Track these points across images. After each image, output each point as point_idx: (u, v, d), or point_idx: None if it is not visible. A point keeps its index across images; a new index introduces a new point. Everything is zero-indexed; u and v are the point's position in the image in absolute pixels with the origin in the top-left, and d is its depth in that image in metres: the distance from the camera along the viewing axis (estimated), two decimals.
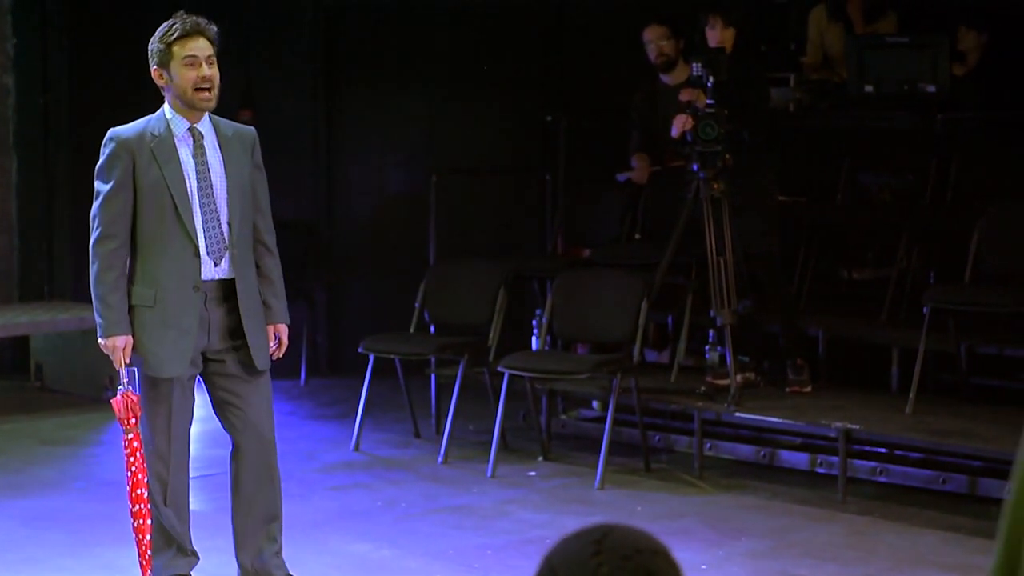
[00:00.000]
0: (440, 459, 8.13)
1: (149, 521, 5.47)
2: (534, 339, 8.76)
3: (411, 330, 8.66)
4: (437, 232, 9.85)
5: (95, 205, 5.54)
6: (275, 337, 5.71)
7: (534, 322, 8.81)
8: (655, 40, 8.92)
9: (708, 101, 8.03)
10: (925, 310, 7.74)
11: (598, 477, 7.67)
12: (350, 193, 10.83)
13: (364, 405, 8.38)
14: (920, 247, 8.82)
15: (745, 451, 8.13)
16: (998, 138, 9.19)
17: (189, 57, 5.46)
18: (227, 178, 5.52)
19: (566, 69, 10.99)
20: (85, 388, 9.55)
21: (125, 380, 5.48)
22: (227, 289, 5.54)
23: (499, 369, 7.91)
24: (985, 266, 8.05)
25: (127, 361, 5.48)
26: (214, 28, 5.56)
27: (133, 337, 5.50)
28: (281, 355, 5.77)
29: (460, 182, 10.37)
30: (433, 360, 8.66)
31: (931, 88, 8.95)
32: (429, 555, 6.56)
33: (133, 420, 5.42)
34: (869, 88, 9.13)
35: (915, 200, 9.05)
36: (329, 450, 8.40)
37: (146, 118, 5.58)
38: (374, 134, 10.69)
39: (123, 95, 10.43)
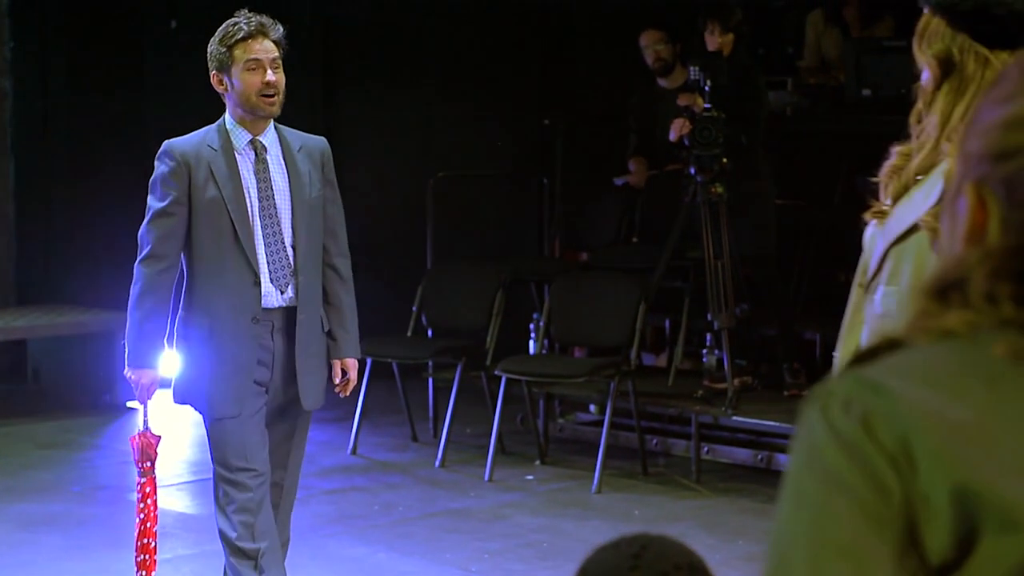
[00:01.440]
0: (437, 463, 8.13)
1: (153, 574, 5.15)
2: (531, 343, 8.76)
3: (409, 333, 8.66)
4: (435, 235, 9.85)
5: (145, 222, 5.06)
6: (342, 373, 5.20)
7: (531, 326, 8.81)
8: (652, 45, 8.92)
9: (706, 105, 8.03)
10: None
11: (595, 481, 7.67)
12: (348, 197, 10.79)
13: (361, 409, 8.37)
14: None
15: (742, 455, 8.13)
16: None
17: (252, 61, 4.93)
18: (292, 196, 5.02)
19: (563, 73, 11.00)
20: (82, 392, 9.54)
21: (145, 418, 5.09)
22: (293, 319, 5.03)
23: (496, 373, 7.91)
24: None
25: (149, 397, 5.08)
26: (280, 28, 5.04)
27: (186, 372, 5.05)
28: (348, 393, 5.30)
29: (458, 186, 10.37)
30: (431, 364, 8.67)
31: None
32: (426, 559, 6.56)
33: (148, 463, 5.09)
34: (867, 92, 9.13)
35: None
36: (326, 454, 8.40)
37: (204, 129, 5.07)
38: (371, 138, 10.69)
39: (122, 99, 10.44)
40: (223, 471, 5.04)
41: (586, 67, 10.85)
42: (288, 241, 5.01)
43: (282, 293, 4.98)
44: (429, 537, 6.88)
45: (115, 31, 10.39)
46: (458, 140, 10.82)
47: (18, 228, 10.40)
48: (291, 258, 5.00)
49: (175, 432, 8.84)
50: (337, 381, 5.19)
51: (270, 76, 4.93)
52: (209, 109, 9.42)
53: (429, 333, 8.67)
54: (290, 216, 5.02)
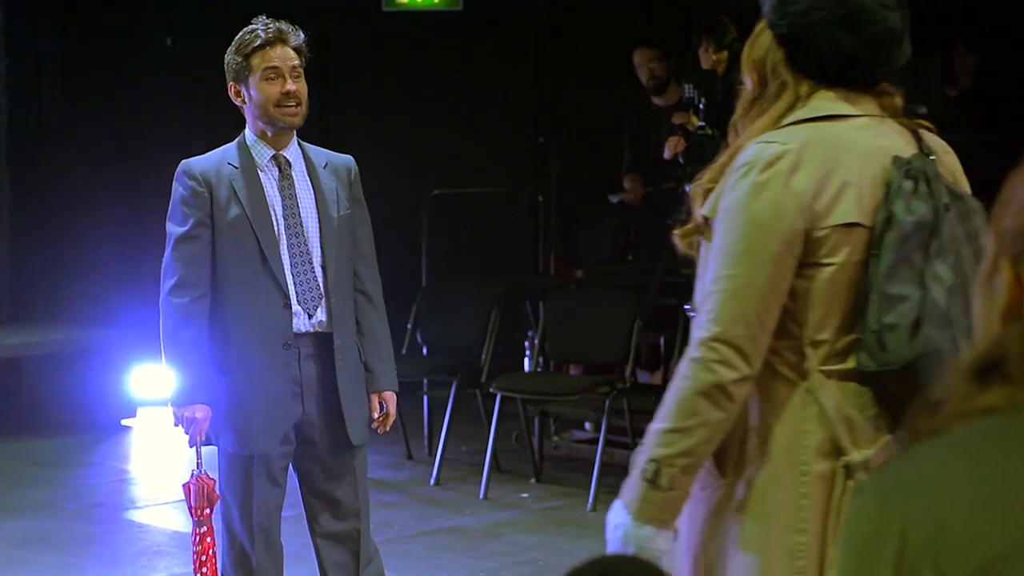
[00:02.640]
0: (433, 481, 8.12)
1: None
2: (527, 360, 8.75)
3: (403, 351, 8.65)
4: (430, 253, 9.85)
5: (168, 250, 4.69)
6: (380, 407, 4.86)
7: (527, 343, 8.80)
8: (646, 63, 8.93)
9: (700, 123, 8.04)
10: None
11: (591, 499, 7.66)
12: None
13: None
14: None
15: None
16: (990, 160, 9.20)
17: (270, 69, 4.61)
18: (319, 214, 4.71)
19: (558, 90, 11.02)
20: (77, 410, 9.53)
21: (199, 460, 4.68)
22: (323, 345, 4.70)
23: (492, 390, 7.90)
24: None
25: (202, 437, 4.65)
26: (301, 35, 4.71)
27: (213, 407, 4.66)
28: (387, 429, 4.93)
29: (453, 203, 10.38)
30: (426, 381, 8.66)
31: (923, 110, 8.96)
32: None
33: (208, 510, 4.68)
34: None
35: None
36: None
37: (223, 147, 4.75)
38: (367, 156, 10.67)
39: (118, 116, 10.45)
40: (240, 527, 4.72)
41: (581, 85, 10.86)
42: (317, 261, 4.69)
43: (310, 317, 4.66)
44: (425, 555, 6.87)
45: (111, 48, 10.40)
46: (454, 158, 10.83)
47: (13, 245, 10.40)
48: (320, 279, 4.68)
49: (171, 449, 8.84)
50: (376, 416, 4.85)
51: (290, 86, 4.62)
52: (205, 126, 9.43)
53: (424, 351, 8.67)
54: (318, 235, 4.71)
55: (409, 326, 8.68)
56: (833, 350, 2.80)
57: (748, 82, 2.96)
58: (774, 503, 2.81)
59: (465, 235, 10.64)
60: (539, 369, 8.52)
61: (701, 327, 2.81)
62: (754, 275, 2.78)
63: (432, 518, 7.53)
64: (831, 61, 2.85)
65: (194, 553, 4.71)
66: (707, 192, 2.91)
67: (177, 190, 4.68)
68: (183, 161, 4.72)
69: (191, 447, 4.67)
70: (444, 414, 8.16)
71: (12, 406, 9.86)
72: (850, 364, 2.78)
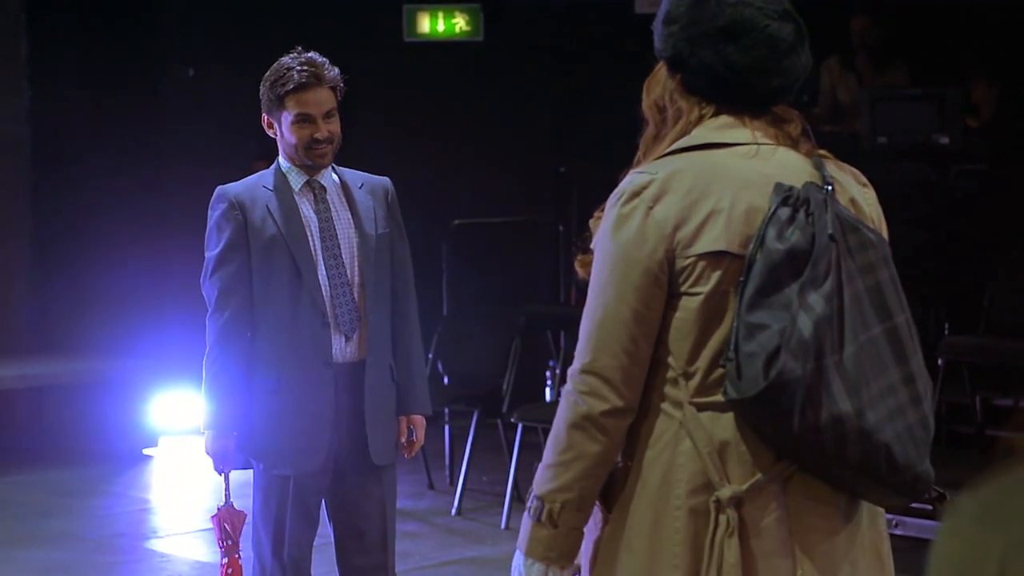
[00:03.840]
0: (454, 511, 8.10)
1: None
2: (548, 390, 8.74)
3: None
4: (450, 282, 9.86)
5: (206, 275, 4.63)
6: (408, 431, 4.81)
7: (548, 373, 8.79)
8: None
9: None
10: (939, 361, 7.72)
11: None
12: None
13: None
14: (934, 298, 8.81)
15: None
16: (1011, 190, 9.20)
17: (303, 115, 4.61)
18: (356, 233, 4.66)
19: (579, 120, 11.03)
20: (98, 439, 9.54)
21: (227, 491, 4.63)
22: (359, 365, 4.65)
23: (513, 420, 7.89)
24: (999, 318, 8.04)
25: (230, 466, 4.59)
26: (335, 72, 4.72)
27: (251, 425, 4.63)
28: (413, 454, 4.90)
29: (474, 233, 10.39)
30: (447, 411, 8.66)
31: (944, 140, 8.96)
32: None
33: (230, 542, 4.63)
34: (882, 140, 9.14)
35: (929, 251, 9.05)
36: None
37: (258, 173, 4.73)
38: None
39: (140, 146, 10.49)
40: (270, 560, 4.64)
41: (602, 114, 10.87)
42: (355, 281, 4.63)
43: (348, 337, 4.62)
44: None
45: (133, 79, 10.44)
46: (474, 187, 10.85)
47: (35, 275, 10.43)
48: (357, 300, 4.63)
49: (192, 478, 8.84)
50: (403, 440, 4.80)
51: (320, 134, 4.63)
52: (227, 156, 9.48)
53: (445, 380, 8.66)
54: (355, 255, 4.65)
55: (430, 356, 8.67)
56: (706, 382, 2.75)
57: (649, 121, 2.90)
58: (651, 538, 2.77)
59: (486, 265, 10.65)
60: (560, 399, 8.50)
61: (575, 359, 2.81)
62: (618, 305, 2.75)
63: (453, 548, 7.52)
64: (719, 73, 2.81)
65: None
66: (599, 222, 2.87)
67: (212, 215, 4.64)
68: (218, 187, 4.69)
69: (220, 474, 4.62)
70: (465, 444, 8.15)
71: (34, 436, 9.88)
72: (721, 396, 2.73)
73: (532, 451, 8.35)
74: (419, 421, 4.82)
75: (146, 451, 9.55)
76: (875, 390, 2.68)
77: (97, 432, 9.58)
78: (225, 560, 4.63)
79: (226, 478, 4.62)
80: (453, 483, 8.47)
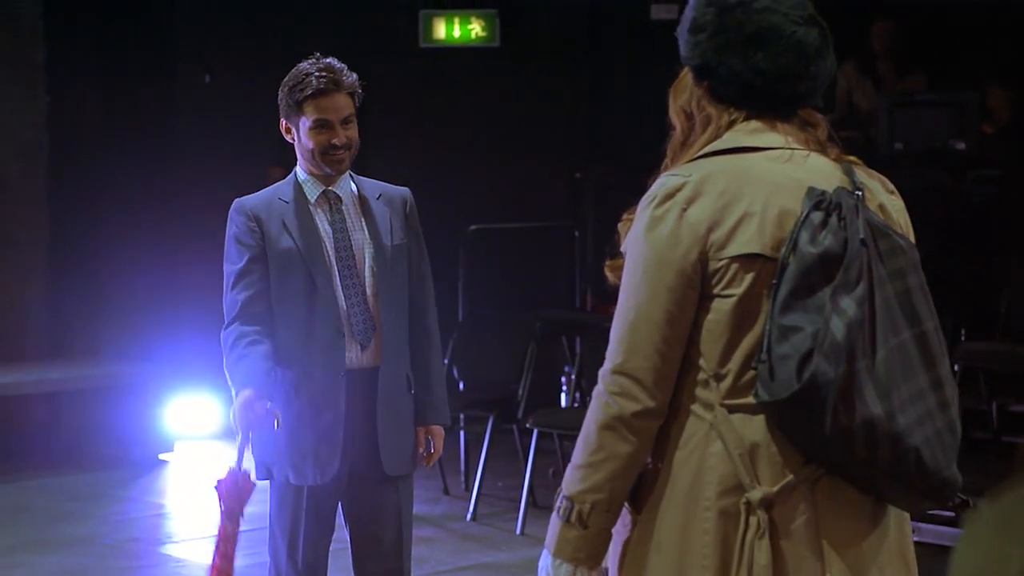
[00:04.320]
0: (469, 516, 8.10)
1: None
2: (563, 395, 8.74)
3: None
4: (466, 288, 9.86)
5: (226, 289, 4.63)
6: (427, 441, 4.79)
7: (563, 379, 8.78)
8: None
9: None
10: (956, 367, 7.71)
11: None
12: None
13: None
14: (950, 304, 8.80)
15: None
16: None
17: (321, 120, 4.61)
18: (372, 247, 4.66)
19: (595, 126, 11.03)
20: (114, 444, 9.55)
21: (240, 457, 4.48)
22: (374, 376, 4.64)
23: (528, 426, 7.89)
24: (1016, 324, 8.02)
25: (257, 426, 4.48)
26: (353, 78, 4.72)
27: (269, 441, 4.59)
28: (430, 465, 4.93)
29: (490, 238, 10.39)
30: (462, 417, 8.65)
31: (961, 146, 8.95)
32: None
33: (234, 512, 4.48)
34: (899, 146, 9.13)
35: (945, 257, 9.04)
36: None
37: (275, 184, 4.73)
38: None
39: (157, 152, 10.51)
40: (286, 566, 4.65)
41: (618, 119, 10.87)
42: (370, 292, 4.63)
43: (363, 348, 4.61)
44: None
45: (150, 85, 10.46)
46: (490, 193, 10.85)
47: (52, 280, 10.45)
48: (372, 311, 4.62)
49: (207, 482, 8.86)
50: (421, 450, 4.78)
51: (338, 139, 4.64)
52: (242, 163, 9.48)
53: (460, 386, 8.66)
54: (371, 266, 4.65)
55: (446, 361, 8.67)
56: (737, 384, 2.76)
57: (676, 126, 2.95)
58: (681, 539, 2.78)
59: (502, 270, 10.65)
60: (576, 404, 8.51)
61: (606, 360, 2.82)
62: (651, 307, 2.78)
63: (468, 553, 7.51)
64: (747, 80, 2.84)
65: (216, 543, 4.53)
66: (630, 226, 2.91)
67: (230, 228, 4.65)
68: (236, 200, 4.70)
69: (240, 434, 4.47)
70: (481, 449, 8.15)
71: (50, 440, 9.89)
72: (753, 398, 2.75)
73: (547, 457, 8.36)
74: (438, 432, 4.81)
75: (162, 456, 9.56)
76: (905, 394, 2.71)
77: (113, 437, 9.59)
78: (224, 523, 4.49)
79: (247, 441, 4.49)
80: (468, 488, 8.47)
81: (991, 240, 8.99)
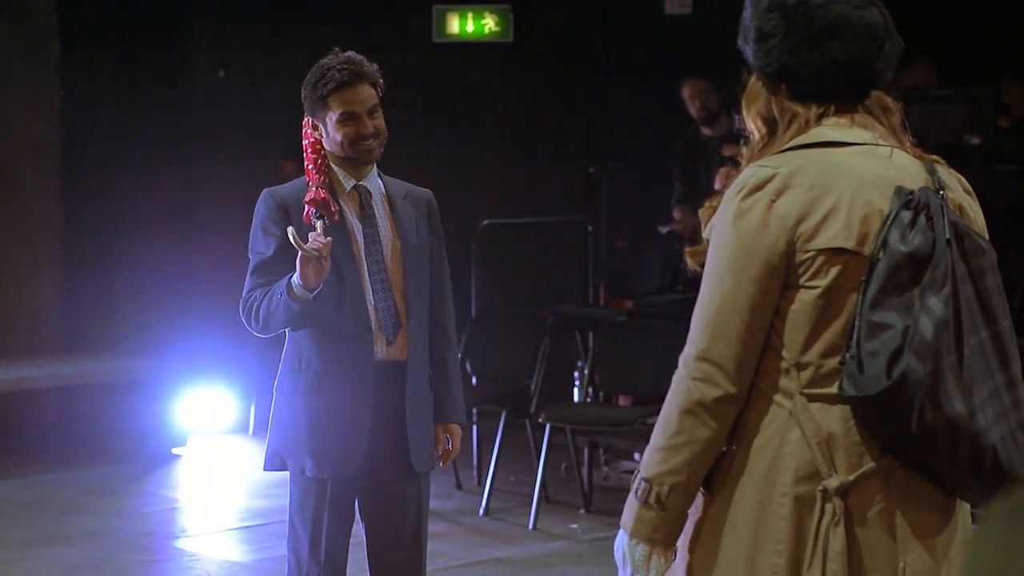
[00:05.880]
0: (482, 511, 8.10)
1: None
2: (576, 391, 8.73)
3: None
4: (479, 283, 9.86)
5: (249, 273, 4.62)
6: (444, 439, 4.82)
7: (576, 374, 8.78)
8: (695, 95, 8.93)
9: None
10: None
11: None
12: None
13: None
14: None
15: None
16: None
17: (348, 112, 4.59)
18: (399, 242, 4.66)
19: (608, 121, 11.02)
20: (128, 439, 9.57)
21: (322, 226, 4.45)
22: (398, 372, 4.63)
23: (541, 421, 7.89)
24: None
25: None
26: (375, 68, 4.70)
27: (290, 428, 4.61)
28: (446, 463, 4.95)
29: (503, 233, 10.39)
30: (475, 411, 8.66)
31: (976, 140, 8.93)
32: None
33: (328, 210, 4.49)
34: (913, 141, 9.10)
35: None
36: None
37: (304, 177, 4.67)
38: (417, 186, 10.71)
39: (170, 148, 10.52)
40: (307, 557, 4.64)
41: (631, 115, 10.87)
42: (396, 287, 4.63)
43: (389, 344, 4.61)
44: None
45: (164, 81, 10.48)
46: (503, 188, 10.85)
47: (66, 276, 10.47)
48: (399, 306, 4.62)
49: (220, 477, 8.86)
50: (438, 448, 4.80)
51: (366, 129, 4.61)
52: (257, 157, 9.49)
53: (473, 381, 8.66)
54: (398, 263, 4.64)
55: (459, 356, 8.67)
56: (818, 374, 2.81)
57: (754, 131, 3.02)
58: (756, 523, 2.83)
59: (515, 265, 10.65)
60: (588, 400, 8.51)
61: (687, 345, 2.88)
62: (736, 295, 2.83)
63: (481, 548, 7.52)
64: (829, 72, 2.89)
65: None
66: (711, 213, 2.96)
67: (257, 216, 4.63)
68: (265, 188, 4.69)
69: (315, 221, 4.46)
70: (493, 444, 8.15)
71: (63, 435, 9.92)
72: (835, 389, 2.79)
73: (560, 452, 8.37)
74: (455, 430, 4.82)
75: (175, 450, 9.58)
76: (984, 393, 2.77)
77: (126, 431, 9.61)
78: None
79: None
80: (481, 483, 8.48)
81: (1007, 235, 8.96)
